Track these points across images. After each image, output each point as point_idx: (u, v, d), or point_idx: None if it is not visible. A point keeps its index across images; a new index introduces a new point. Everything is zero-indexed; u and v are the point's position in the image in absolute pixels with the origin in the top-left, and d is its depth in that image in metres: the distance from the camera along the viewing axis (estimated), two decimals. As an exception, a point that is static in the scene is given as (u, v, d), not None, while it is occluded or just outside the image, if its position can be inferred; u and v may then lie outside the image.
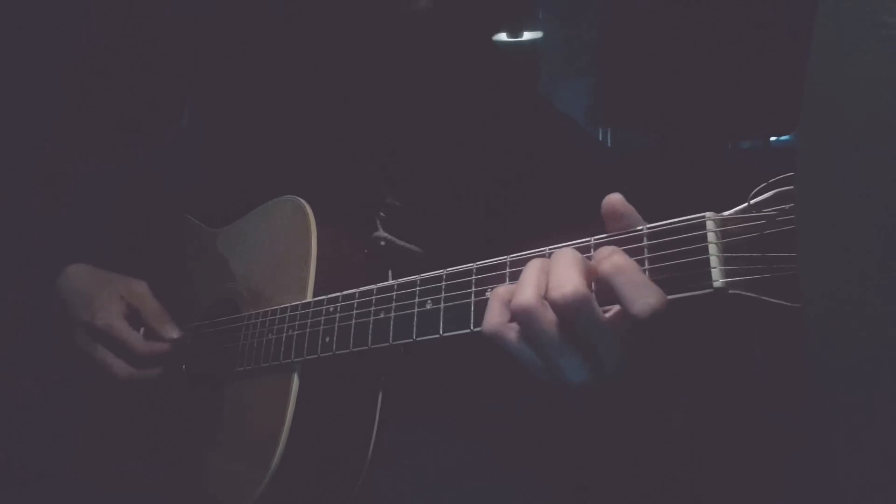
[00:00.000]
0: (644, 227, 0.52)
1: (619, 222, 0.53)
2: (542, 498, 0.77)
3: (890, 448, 0.34)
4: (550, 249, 0.56)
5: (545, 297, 0.51)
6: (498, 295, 0.54)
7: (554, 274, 0.51)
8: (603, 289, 0.50)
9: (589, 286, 0.50)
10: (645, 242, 0.51)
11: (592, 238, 0.54)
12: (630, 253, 0.51)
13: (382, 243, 0.79)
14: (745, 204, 0.48)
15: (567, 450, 0.74)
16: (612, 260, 0.49)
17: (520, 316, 0.51)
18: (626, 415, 0.55)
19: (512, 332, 0.53)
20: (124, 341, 0.82)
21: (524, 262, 0.57)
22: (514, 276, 0.57)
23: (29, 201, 0.93)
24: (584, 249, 0.54)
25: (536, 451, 0.78)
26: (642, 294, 0.48)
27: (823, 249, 0.36)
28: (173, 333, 0.84)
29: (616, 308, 0.51)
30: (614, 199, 0.53)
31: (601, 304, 0.51)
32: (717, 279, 0.47)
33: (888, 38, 0.33)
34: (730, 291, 0.47)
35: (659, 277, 0.49)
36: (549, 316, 0.51)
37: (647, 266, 0.50)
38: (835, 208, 0.35)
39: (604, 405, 0.54)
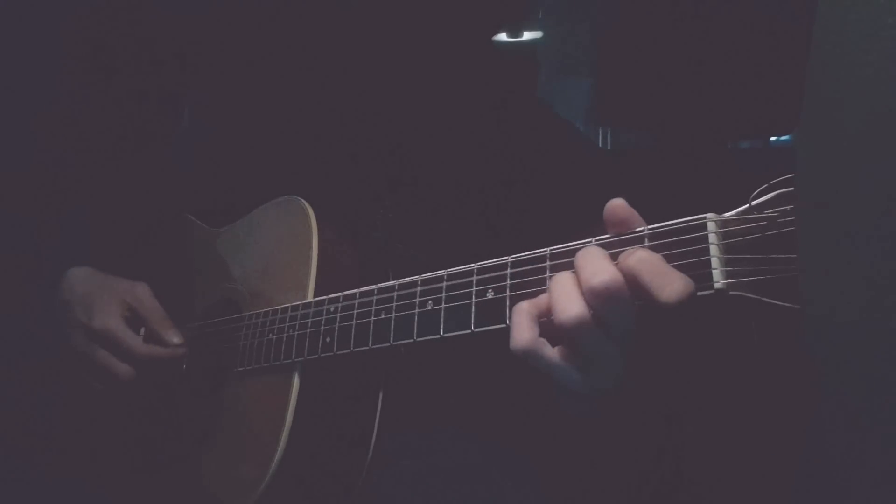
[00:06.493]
0: (645, 228, 0.52)
1: (621, 227, 0.53)
2: (542, 499, 0.77)
3: (891, 449, 0.34)
4: (552, 250, 0.56)
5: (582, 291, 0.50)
6: (523, 310, 0.53)
7: (588, 267, 0.50)
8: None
9: None
10: (646, 243, 0.51)
11: (594, 239, 0.54)
12: None
13: (384, 243, 0.79)
14: (747, 205, 0.48)
15: (567, 451, 0.74)
16: (636, 255, 0.49)
17: (573, 322, 0.50)
18: (633, 418, 0.55)
19: (545, 346, 0.52)
20: (123, 343, 0.82)
21: (525, 262, 0.57)
22: (515, 276, 0.57)
23: (31, 204, 0.93)
24: None
25: (536, 451, 0.78)
26: (669, 281, 0.48)
27: (823, 250, 0.36)
28: (175, 338, 0.83)
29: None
30: (616, 205, 0.52)
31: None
32: (718, 280, 0.47)
33: (888, 38, 0.33)
34: (731, 293, 0.47)
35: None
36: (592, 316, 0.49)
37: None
38: (834, 209, 0.35)
39: (615, 409, 0.54)
